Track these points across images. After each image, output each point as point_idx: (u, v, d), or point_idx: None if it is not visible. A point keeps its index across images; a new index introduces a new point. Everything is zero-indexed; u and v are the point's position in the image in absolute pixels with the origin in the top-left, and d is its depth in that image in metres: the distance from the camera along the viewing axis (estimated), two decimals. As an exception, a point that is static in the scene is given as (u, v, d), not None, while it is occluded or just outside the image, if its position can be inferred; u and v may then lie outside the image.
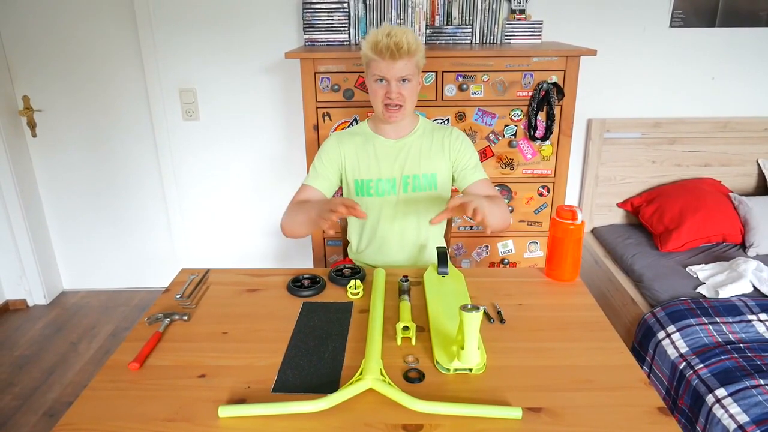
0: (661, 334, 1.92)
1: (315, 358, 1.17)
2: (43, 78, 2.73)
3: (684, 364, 1.78)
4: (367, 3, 2.38)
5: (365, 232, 1.79)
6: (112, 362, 1.18)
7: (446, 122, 2.25)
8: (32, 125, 2.80)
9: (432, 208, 1.70)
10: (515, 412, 0.99)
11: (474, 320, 1.05)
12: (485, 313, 1.33)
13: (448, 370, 1.11)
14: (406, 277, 1.45)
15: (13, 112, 2.75)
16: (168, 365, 1.17)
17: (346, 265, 1.54)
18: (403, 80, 1.55)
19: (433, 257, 1.80)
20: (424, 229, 1.74)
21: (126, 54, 2.68)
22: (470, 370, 1.11)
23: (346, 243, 1.99)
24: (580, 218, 1.42)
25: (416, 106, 2.20)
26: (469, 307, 1.06)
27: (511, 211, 2.37)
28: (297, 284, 1.46)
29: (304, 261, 2.97)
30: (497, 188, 2.33)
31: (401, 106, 1.58)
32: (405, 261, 1.78)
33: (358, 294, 1.42)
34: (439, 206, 1.67)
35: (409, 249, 1.77)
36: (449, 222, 1.98)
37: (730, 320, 1.88)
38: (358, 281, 1.44)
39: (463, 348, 1.08)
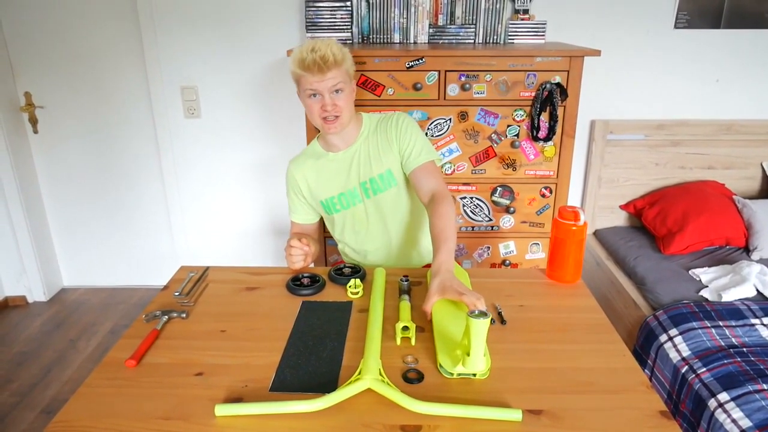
0: (663, 338, 1.91)
1: (313, 357, 1.16)
2: (45, 75, 2.73)
3: (686, 367, 1.77)
4: (370, 1, 2.37)
5: (351, 250, 1.80)
6: (109, 359, 1.17)
7: (449, 122, 2.24)
8: (34, 122, 2.80)
9: (398, 201, 1.70)
10: (515, 414, 0.98)
11: (482, 327, 1.03)
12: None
13: (452, 374, 1.10)
14: (407, 276, 1.43)
15: (14, 109, 2.75)
16: (165, 363, 1.16)
17: (346, 265, 1.53)
18: (336, 91, 1.55)
19: (430, 255, 1.79)
20: (405, 228, 1.74)
21: (128, 51, 2.68)
22: (474, 375, 1.10)
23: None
24: (582, 219, 1.41)
25: (418, 106, 2.19)
26: (476, 312, 1.05)
27: (513, 212, 2.36)
28: (296, 283, 1.45)
29: (304, 260, 2.96)
30: (502, 188, 2.32)
31: (338, 116, 1.57)
32: (401, 264, 1.77)
33: (357, 293, 1.41)
34: (403, 198, 1.70)
35: (400, 251, 1.76)
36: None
37: (733, 324, 1.87)
38: (357, 281, 1.42)
39: (468, 354, 1.06)
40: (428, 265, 1.76)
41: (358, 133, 1.68)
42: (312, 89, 1.54)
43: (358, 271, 1.50)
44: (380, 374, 1.06)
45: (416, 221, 1.76)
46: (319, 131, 1.68)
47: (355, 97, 1.65)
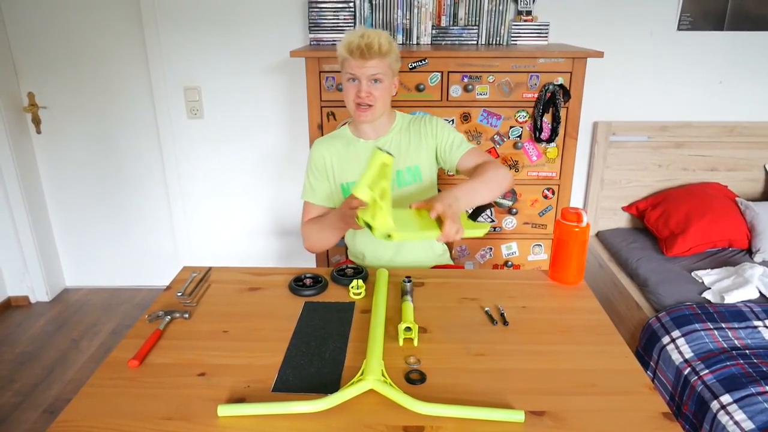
0: (665, 339, 1.90)
1: (316, 358, 1.16)
2: (48, 75, 2.73)
3: (689, 369, 1.76)
4: (373, 2, 2.37)
5: (359, 240, 1.79)
6: (111, 359, 1.17)
7: (451, 123, 2.23)
8: (37, 122, 2.80)
9: (424, 196, 1.68)
10: (518, 416, 0.98)
11: (377, 159, 1.17)
12: (488, 315, 1.32)
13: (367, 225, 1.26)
14: (409, 277, 1.43)
15: (18, 109, 2.75)
16: (168, 363, 1.16)
17: (349, 265, 1.54)
18: (375, 80, 1.58)
19: (432, 257, 1.79)
20: None
21: (131, 52, 2.68)
22: (389, 236, 1.20)
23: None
24: (585, 220, 1.41)
25: (420, 107, 2.19)
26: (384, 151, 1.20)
27: (516, 214, 2.36)
28: (299, 283, 1.45)
29: (306, 261, 2.96)
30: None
31: (371, 105, 1.60)
32: (404, 261, 1.77)
33: (360, 294, 1.41)
34: (427, 196, 1.69)
35: (407, 248, 1.76)
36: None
37: (736, 326, 1.86)
38: (360, 281, 1.43)
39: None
40: (437, 266, 1.77)
41: (391, 126, 1.72)
42: (352, 74, 1.58)
43: (360, 272, 1.50)
44: (383, 375, 1.06)
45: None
46: (350, 120, 1.74)
47: (393, 93, 1.68)
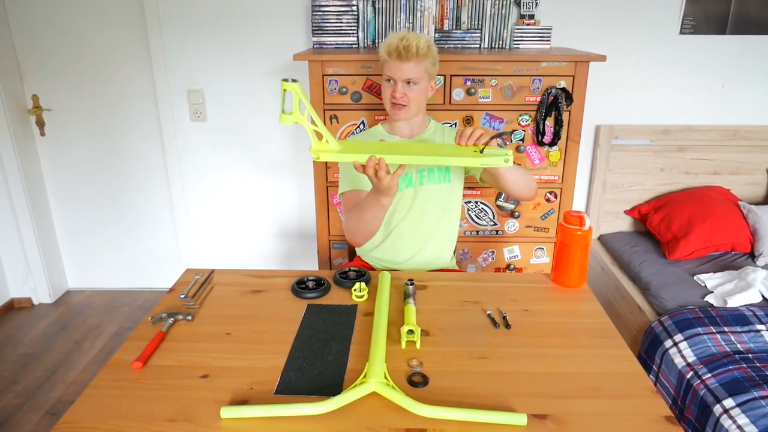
0: (668, 343, 1.90)
1: (318, 360, 1.17)
2: (52, 77, 2.74)
3: (691, 373, 1.76)
4: (376, 6, 2.38)
5: (379, 236, 1.80)
6: (115, 361, 1.17)
7: (454, 126, 2.24)
8: (41, 124, 2.81)
9: (444, 200, 1.77)
10: (520, 419, 0.98)
11: (282, 87, 1.28)
12: (490, 318, 1.32)
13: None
14: (412, 280, 1.44)
15: (22, 111, 2.76)
16: (171, 365, 1.16)
17: (351, 268, 1.54)
18: (409, 82, 1.64)
19: (441, 258, 1.80)
20: (436, 223, 1.78)
21: (135, 54, 2.69)
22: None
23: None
24: (587, 224, 1.41)
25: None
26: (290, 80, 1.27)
27: (518, 217, 2.36)
28: (301, 286, 1.45)
29: (309, 263, 2.97)
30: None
31: (405, 105, 1.67)
32: (414, 258, 1.79)
33: (363, 297, 1.41)
34: (451, 198, 1.78)
35: (419, 245, 1.78)
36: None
37: (738, 330, 1.86)
38: (362, 284, 1.43)
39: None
40: (443, 270, 1.78)
41: (426, 127, 1.79)
42: (389, 75, 1.66)
43: (363, 275, 1.50)
44: (385, 378, 1.06)
45: (449, 225, 1.82)
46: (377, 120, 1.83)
47: (429, 95, 1.74)
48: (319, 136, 1.36)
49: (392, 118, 1.74)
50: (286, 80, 1.29)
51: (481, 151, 1.36)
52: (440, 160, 1.40)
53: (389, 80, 1.66)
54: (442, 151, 1.44)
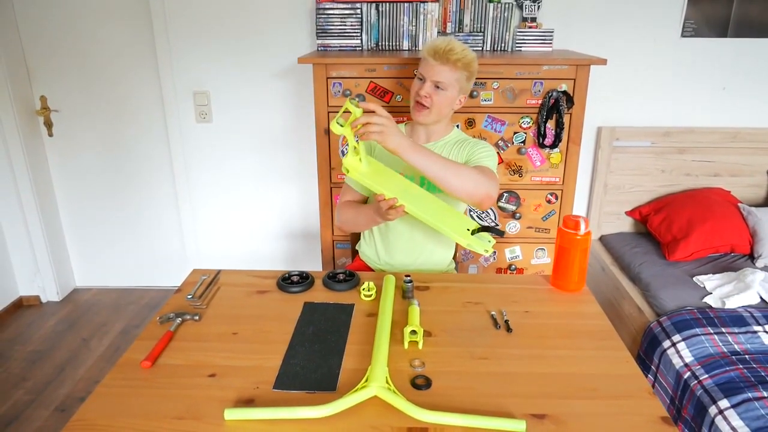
0: (666, 344, 1.93)
1: (316, 355, 1.21)
2: (60, 79, 2.78)
3: (689, 374, 1.79)
4: (380, 9, 2.40)
5: (377, 229, 1.83)
6: (125, 360, 1.20)
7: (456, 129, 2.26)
8: (49, 125, 2.85)
9: (449, 202, 1.71)
10: (519, 425, 0.99)
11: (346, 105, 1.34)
12: (493, 318, 1.35)
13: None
14: (409, 276, 1.47)
15: (30, 112, 2.80)
16: (179, 364, 1.19)
17: (338, 270, 1.57)
18: (438, 86, 1.63)
19: (441, 262, 1.82)
20: (434, 232, 1.77)
21: (141, 56, 2.72)
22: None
23: (354, 241, 2.03)
24: (585, 228, 1.43)
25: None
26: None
27: (519, 218, 2.38)
28: (287, 281, 1.50)
29: (313, 263, 3.00)
30: (508, 194, 2.34)
31: (427, 107, 1.65)
32: (414, 262, 1.81)
33: (371, 296, 1.44)
34: (450, 210, 1.69)
35: (419, 249, 1.80)
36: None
37: (736, 331, 1.88)
38: (371, 283, 1.46)
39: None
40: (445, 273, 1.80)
41: (444, 137, 1.76)
42: (422, 73, 1.65)
43: (352, 277, 1.53)
44: (387, 382, 1.09)
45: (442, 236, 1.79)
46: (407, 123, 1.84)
47: (456, 107, 1.72)
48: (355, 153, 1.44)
49: (413, 118, 1.72)
50: (353, 100, 1.35)
51: (473, 233, 1.41)
52: (437, 223, 1.43)
53: (421, 78, 1.66)
54: (444, 212, 1.48)
